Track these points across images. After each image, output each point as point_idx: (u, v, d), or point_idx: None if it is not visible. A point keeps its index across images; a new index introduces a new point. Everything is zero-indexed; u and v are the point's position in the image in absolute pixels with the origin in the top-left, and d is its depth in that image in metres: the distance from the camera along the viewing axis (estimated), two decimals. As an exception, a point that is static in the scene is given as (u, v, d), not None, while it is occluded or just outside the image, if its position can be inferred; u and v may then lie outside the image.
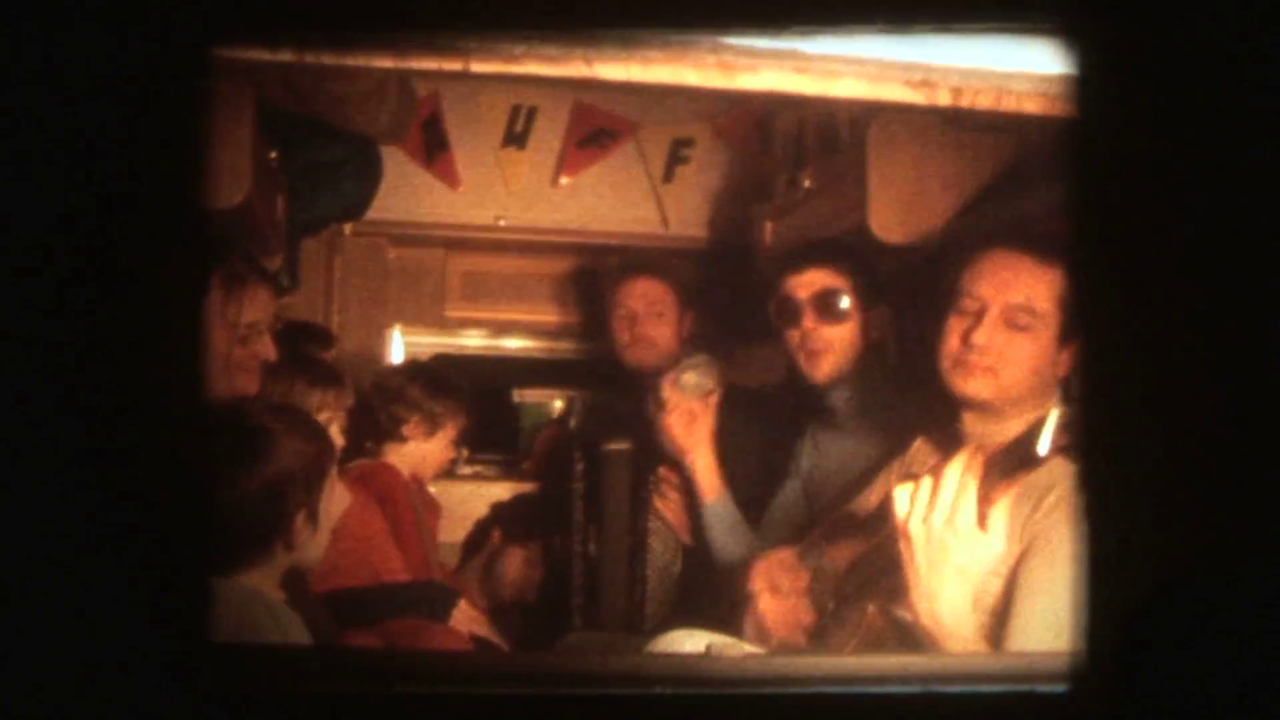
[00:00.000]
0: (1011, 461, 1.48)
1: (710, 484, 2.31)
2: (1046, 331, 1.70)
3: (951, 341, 1.74)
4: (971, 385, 1.72)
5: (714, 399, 2.32)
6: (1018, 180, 2.15)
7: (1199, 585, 1.16)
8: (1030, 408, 1.70)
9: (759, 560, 1.84)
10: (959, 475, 1.48)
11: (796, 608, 1.76)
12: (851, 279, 2.22)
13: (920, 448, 1.90)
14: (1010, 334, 1.70)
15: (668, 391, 2.32)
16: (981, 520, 1.46)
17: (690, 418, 2.31)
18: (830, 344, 2.22)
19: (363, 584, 2.17)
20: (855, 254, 2.26)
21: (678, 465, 2.38)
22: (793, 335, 2.25)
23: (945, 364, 1.75)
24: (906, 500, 1.51)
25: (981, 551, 1.47)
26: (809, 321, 2.22)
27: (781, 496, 2.33)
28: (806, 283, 2.23)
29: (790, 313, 2.24)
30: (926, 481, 1.49)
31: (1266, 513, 1.18)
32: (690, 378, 2.32)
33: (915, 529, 1.49)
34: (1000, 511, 1.46)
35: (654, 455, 2.41)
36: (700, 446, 2.31)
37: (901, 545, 1.51)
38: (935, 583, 1.48)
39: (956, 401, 1.75)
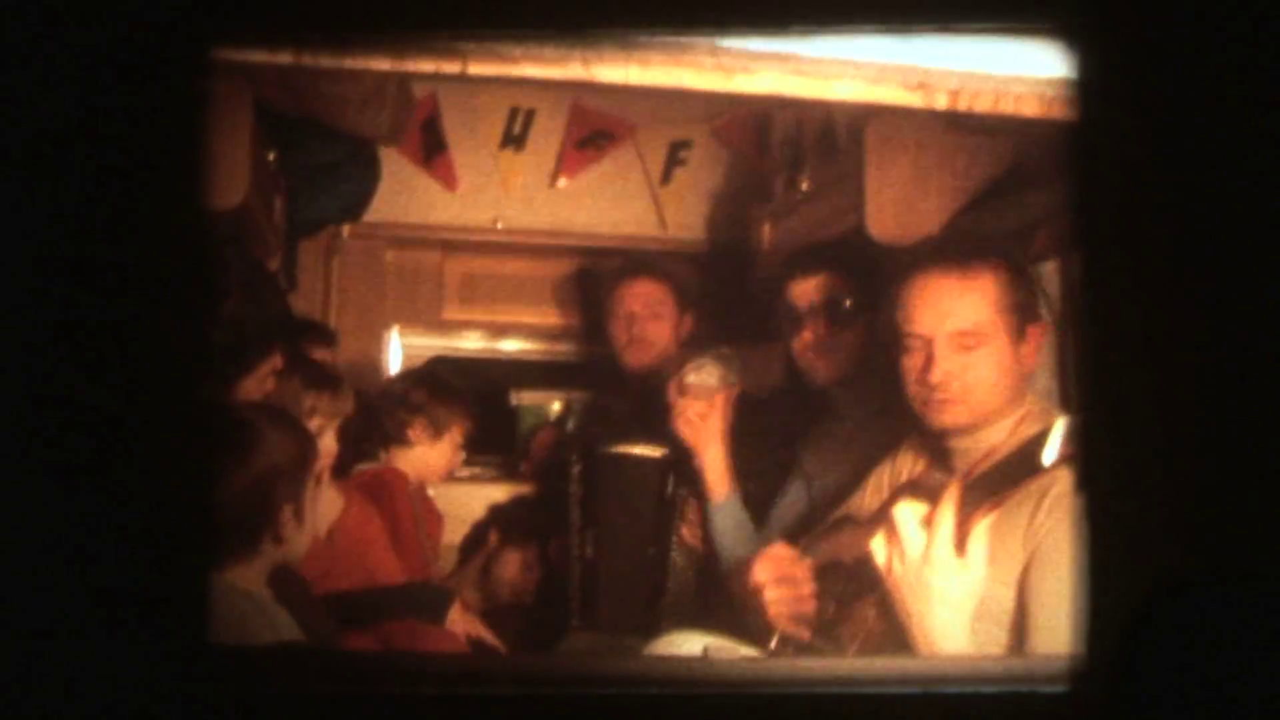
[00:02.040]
0: (1008, 477, 1.48)
1: (719, 484, 2.29)
2: (997, 339, 1.71)
3: (911, 384, 1.75)
4: (947, 417, 1.73)
5: (721, 398, 2.29)
6: (1016, 183, 2.15)
7: (1199, 586, 1.16)
8: (1008, 412, 1.72)
9: (759, 555, 1.83)
10: (934, 510, 1.48)
11: (801, 598, 1.75)
12: (856, 282, 2.22)
13: (906, 452, 1.90)
14: (963, 357, 1.70)
15: (672, 396, 2.30)
16: (960, 547, 1.47)
17: (698, 419, 2.28)
18: (836, 347, 2.23)
19: (358, 587, 2.17)
20: (859, 257, 2.26)
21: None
22: (799, 340, 2.26)
23: (916, 405, 1.76)
24: (883, 548, 1.52)
25: (963, 578, 1.48)
26: (816, 326, 2.23)
27: (786, 497, 2.32)
28: (813, 288, 2.24)
29: (797, 318, 2.25)
30: (899, 522, 1.50)
31: (1267, 513, 1.18)
32: (694, 379, 2.30)
33: (897, 572, 1.51)
34: (980, 535, 1.47)
35: (687, 465, 2.38)
36: (710, 446, 2.28)
37: (891, 592, 1.52)
38: (929, 619, 1.49)
39: (939, 432, 1.76)
